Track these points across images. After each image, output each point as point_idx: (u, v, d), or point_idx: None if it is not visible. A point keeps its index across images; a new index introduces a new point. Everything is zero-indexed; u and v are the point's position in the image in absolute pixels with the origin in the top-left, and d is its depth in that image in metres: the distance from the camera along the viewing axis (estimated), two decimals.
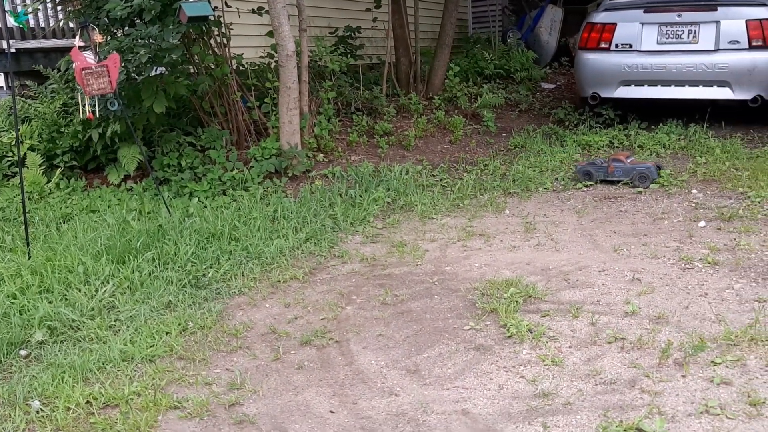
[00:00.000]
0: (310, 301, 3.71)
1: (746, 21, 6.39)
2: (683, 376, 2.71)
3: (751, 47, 6.37)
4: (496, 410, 2.60)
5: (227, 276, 4.00)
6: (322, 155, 6.04)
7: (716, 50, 6.50)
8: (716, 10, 6.51)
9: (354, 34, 7.97)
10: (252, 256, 4.23)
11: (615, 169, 5.39)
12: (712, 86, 6.56)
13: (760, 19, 6.36)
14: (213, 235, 4.45)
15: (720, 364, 2.76)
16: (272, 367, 3.05)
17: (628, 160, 5.40)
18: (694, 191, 5.10)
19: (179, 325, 3.42)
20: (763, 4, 6.46)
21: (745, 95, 6.44)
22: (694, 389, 2.62)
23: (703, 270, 3.72)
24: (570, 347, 3.03)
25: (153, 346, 3.22)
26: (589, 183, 5.49)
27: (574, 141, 6.65)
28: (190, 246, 4.26)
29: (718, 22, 6.50)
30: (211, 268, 4.07)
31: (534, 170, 5.84)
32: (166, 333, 3.35)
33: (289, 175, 5.62)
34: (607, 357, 2.92)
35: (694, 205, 4.82)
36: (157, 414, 2.71)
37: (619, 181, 5.40)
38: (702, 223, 4.43)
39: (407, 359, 3.04)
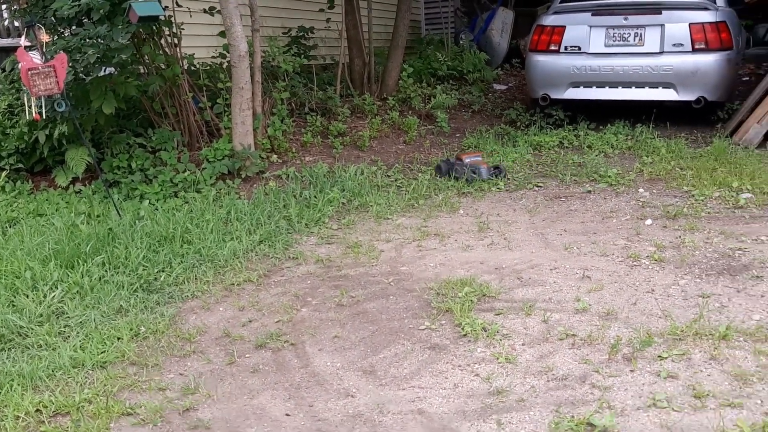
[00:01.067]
0: (264, 303, 3.68)
1: (689, 24, 6.58)
2: (632, 370, 2.79)
3: (694, 50, 6.57)
4: (451, 409, 2.64)
5: (180, 279, 3.95)
6: (275, 156, 6.00)
7: (661, 53, 6.68)
8: (661, 13, 6.69)
9: (307, 34, 7.95)
10: (205, 258, 4.18)
11: (458, 166, 5.80)
12: (657, 88, 6.74)
13: (702, 23, 6.56)
14: (165, 238, 4.38)
15: (666, 358, 2.85)
16: (227, 371, 3.03)
17: (468, 160, 5.80)
18: (641, 190, 5.24)
19: (131, 330, 3.36)
20: (706, 8, 6.67)
21: (688, 96, 6.64)
22: (642, 383, 2.69)
23: (650, 267, 3.82)
24: (523, 345, 3.09)
25: (104, 352, 3.16)
26: (445, 178, 5.80)
27: (526, 141, 6.75)
28: (142, 249, 4.19)
29: (662, 26, 6.68)
30: (163, 271, 4.01)
31: None
32: (118, 338, 3.29)
33: (243, 176, 5.57)
34: (558, 353, 2.98)
35: (641, 203, 4.94)
36: (110, 421, 2.67)
37: (462, 177, 5.70)
38: (649, 221, 4.55)
39: (363, 360, 3.05)
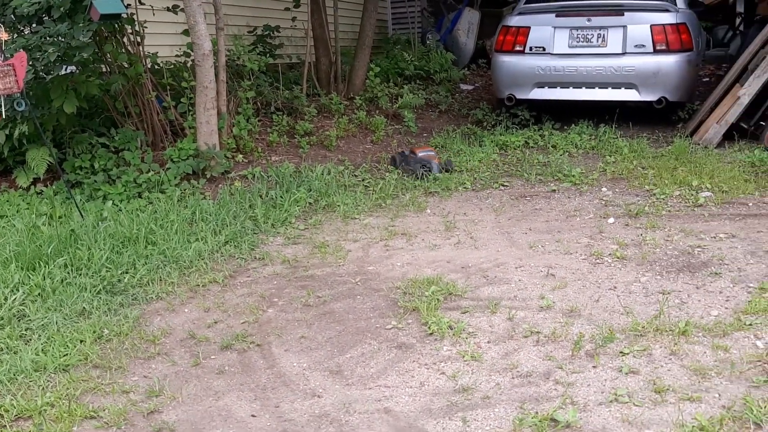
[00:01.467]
0: (230, 304, 3.66)
1: (651, 26, 6.70)
2: (594, 366, 2.84)
3: (656, 51, 6.70)
4: (417, 407, 2.65)
5: (144, 281, 3.90)
6: (241, 156, 5.96)
7: (623, 54, 6.79)
8: (623, 15, 6.80)
9: (273, 33, 7.90)
10: (169, 260, 4.13)
11: (411, 159, 5.99)
12: (620, 88, 6.85)
13: (663, 24, 6.69)
14: (128, 240, 4.32)
15: (628, 354, 2.90)
16: (192, 373, 3.00)
17: (421, 154, 6.03)
18: (604, 189, 5.32)
19: (94, 332, 3.32)
20: (667, 10, 6.80)
21: (650, 97, 6.76)
22: (604, 379, 2.74)
23: (613, 264, 3.89)
24: (488, 342, 3.12)
25: (67, 355, 3.11)
26: (397, 169, 6.05)
27: (492, 141, 6.81)
28: (105, 251, 4.13)
29: (625, 27, 6.79)
30: (126, 273, 3.96)
31: (453, 170, 5.95)
32: (81, 341, 3.24)
33: (208, 176, 5.53)
34: (523, 351, 3.02)
35: (604, 202, 5.02)
36: (72, 425, 2.63)
37: (414, 170, 5.89)
38: (611, 220, 4.62)
39: (330, 360, 3.05)
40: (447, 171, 5.94)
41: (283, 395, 2.79)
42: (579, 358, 2.92)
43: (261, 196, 5.22)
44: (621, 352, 2.92)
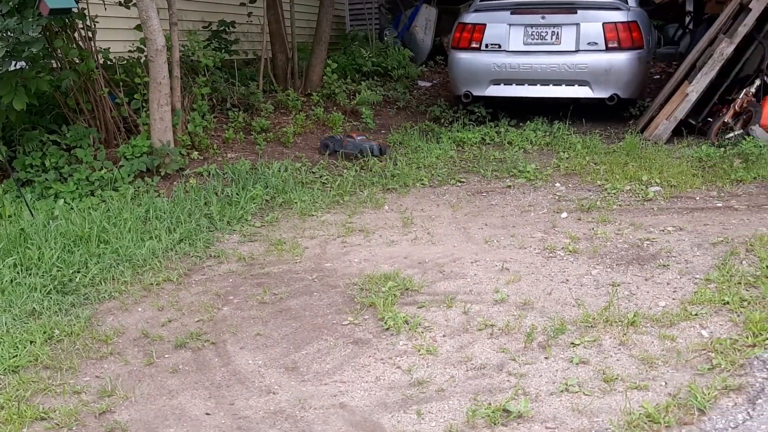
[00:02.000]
0: (184, 303, 3.63)
1: (603, 24, 6.83)
2: (546, 357, 2.89)
3: (608, 48, 6.83)
4: (372, 401, 2.67)
5: (96, 280, 3.84)
6: (196, 153, 5.90)
7: (577, 51, 6.91)
8: (576, 13, 6.91)
9: (228, 28, 7.82)
10: (123, 258, 4.07)
11: (348, 143, 6.25)
12: (573, 85, 6.97)
13: (615, 22, 6.82)
14: (80, 238, 4.24)
15: (579, 345, 2.96)
16: (145, 372, 2.97)
17: (358, 138, 6.34)
18: (558, 184, 5.42)
19: (44, 333, 3.25)
20: (618, 9, 6.94)
21: (603, 94, 6.89)
22: (555, 369, 2.80)
23: (565, 258, 3.96)
24: (444, 336, 3.15)
25: (16, 356, 3.05)
26: (330, 154, 6.33)
27: (449, 138, 6.86)
28: (56, 250, 4.05)
29: (578, 25, 6.91)
30: (78, 272, 3.89)
31: (411, 166, 5.98)
32: (31, 342, 3.17)
33: (162, 173, 5.45)
34: (477, 343, 3.06)
35: (557, 197, 5.11)
36: (23, 426, 2.58)
37: (352, 153, 6.24)
38: (564, 215, 4.71)
39: (286, 357, 3.05)
40: (382, 154, 6.21)
41: (238, 393, 2.78)
42: (531, 350, 2.97)
43: (216, 194, 5.18)
44: (572, 343, 2.98)
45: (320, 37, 8.24)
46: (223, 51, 7.43)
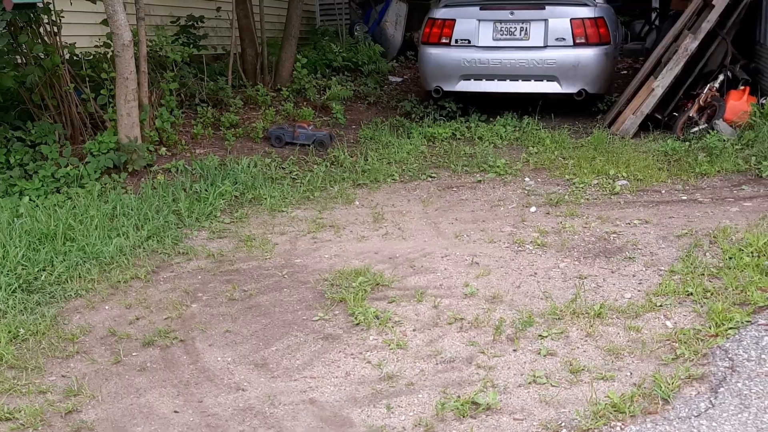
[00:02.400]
0: (153, 300, 3.59)
1: (571, 20, 6.89)
2: (514, 350, 2.92)
3: (576, 44, 6.89)
4: (342, 396, 2.67)
5: (62, 278, 3.78)
6: (164, 149, 5.83)
7: (545, 47, 6.97)
8: (544, 8, 6.96)
9: (197, 23, 7.75)
10: (89, 256, 4.02)
11: (300, 134, 6.31)
12: (542, 81, 7.02)
13: (582, 18, 6.89)
14: (46, 236, 4.18)
15: (546, 337, 3.00)
16: (112, 371, 2.94)
17: (310, 128, 6.44)
18: (527, 179, 5.46)
19: (9, 332, 3.20)
20: (586, 5, 7.00)
21: (571, 89, 6.95)
22: (523, 362, 2.83)
23: (534, 252, 4.00)
24: (414, 330, 3.17)
25: None
26: (280, 146, 6.34)
27: (420, 133, 6.88)
28: (21, 248, 3.98)
29: (546, 20, 6.96)
30: (44, 270, 3.83)
31: (382, 162, 5.99)
32: None
33: (129, 170, 5.38)
34: (447, 337, 3.08)
35: (526, 192, 5.15)
36: None
37: (303, 144, 6.30)
38: (533, 209, 4.75)
39: (255, 354, 3.04)
40: (331, 140, 6.41)
41: (207, 390, 2.77)
42: (500, 343, 3.00)
43: (185, 190, 5.13)
44: (540, 336, 3.02)
45: (290, 32, 8.20)
46: (192, 46, 7.35)
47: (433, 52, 7.38)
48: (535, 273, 3.71)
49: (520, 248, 4.07)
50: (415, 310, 3.36)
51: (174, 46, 6.66)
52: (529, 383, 2.66)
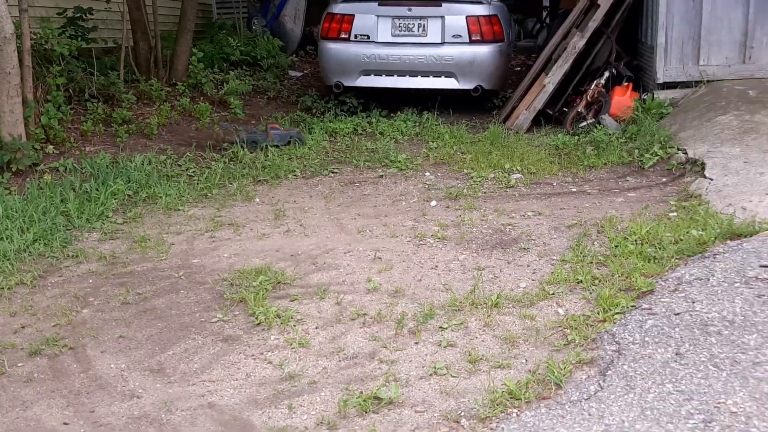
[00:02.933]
0: (40, 307, 3.40)
1: (467, 17, 7.05)
2: (416, 343, 2.96)
3: (472, 41, 7.06)
4: (243, 399, 2.63)
5: None
6: (51, 147, 5.53)
7: (443, 43, 7.09)
8: (441, 6, 7.09)
9: (85, 15, 7.38)
10: None
11: (273, 135, 6.21)
12: (440, 77, 7.15)
13: (477, 16, 7.06)
14: None
15: (447, 328, 3.06)
16: None
17: (282, 128, 6.40)
18: (427, 173, 5.55)
19: None
20: (480, 2, 7.18)
21: (468, 85, 7.12)
22: (425, 354, 2.87)
23: (434, 245, 4.07)
24: (317, 328, 3.15)
25: None
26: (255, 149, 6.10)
27: (322, 128, 6.85)
28: None
29: (443, 17, 7.09)
30: None
31: (283, 157, 5.92)
32: None
33: (13, 169, 5.07)
34: (350, 333, 3.09)
35: (427, 186, 5.23)
36: None
37: (277, 145, 6.14)
38: (433, 203, 4.83)
39: (151, 359, 2.94)
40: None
41: (99, 399, 2.65)
42: (402, 336, 3.03)
43: (74, 190, 4.89)
44: (440, 327, 3.07)
45: (185, 25, 7.96)
46: (80, 39, 7.00)
47: (333, 47, 7.37)
48: (436, 266, 3.77)
49: (421, 242, 4.13)
50: (317, 307, 3.35)
51: (60, 39, 6.33)
52: (430, 375, 2.71)
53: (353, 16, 7.27)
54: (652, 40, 6.37)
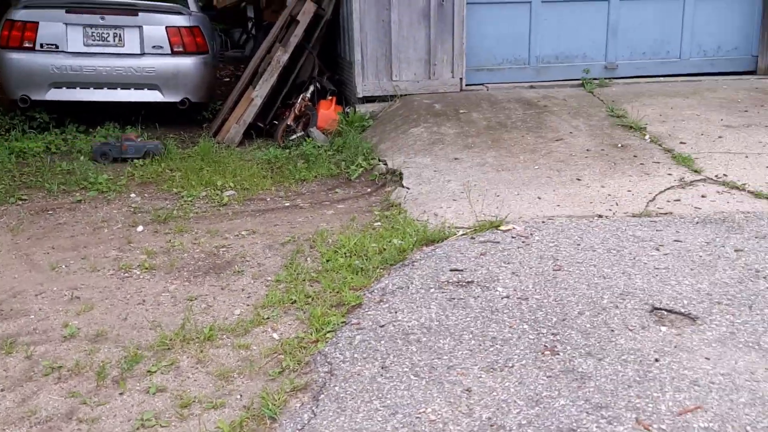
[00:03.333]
0: None
1: (166, 27, 6.77)
2: (121, 393, 2.72)
3: (174, 53, 6.79)
4: None
5: None
6: None
7: (142, 54, 6.73)
8: (137, 15, 6.72)
9: None
10: None
11: (128, 147, 5.95)
12: (143, 89, 6.78)
13: (178, 27, 6.81)
14: None
15: (156, 372, 2.86)
16: None
17: (138, 140, 6.10)
18: (133, 195, 5.20)
19: None
20: (180, 13, 6.94)
21: (173, 98, 6.85)
22: (131, 405, 2.65)
23: (141, 276, 3.81)
24: (2, 390, 2.75)
25: None
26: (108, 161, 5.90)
27: (7, 148, 6.08)
28: None
29: (141, 27, 6.72)
30: None
31: None
32: None
33: None
34: (43, 392, 2.74)
35: (133, 209, 4.90)
36: None
37: (132, 158, 5.92)
38: (140, 228, 4.53)
39: None
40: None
41: None
42: (105, 388, 2.77)
43: None
44: (148, 371, 2.86)
45: None
46: None
47: (15, 57, 6.60)
48: (144, 300, 3.52)
49: (126, 274, 3.83)
50: (3, 365, 2.92)
51: None
52: (137, 429, 2.50)
53: (37, 23, 6.58)
54: (350, 56, 6.70)
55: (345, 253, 3.91)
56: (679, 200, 4.43)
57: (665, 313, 3.09)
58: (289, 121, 6.56)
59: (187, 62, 6.83)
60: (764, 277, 3.38)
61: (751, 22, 7.38)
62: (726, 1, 7.33)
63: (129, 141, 6.04)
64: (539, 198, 4.53)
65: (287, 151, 6.21)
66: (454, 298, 3.27)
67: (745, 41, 7.44)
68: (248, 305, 3.45)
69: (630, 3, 7.14)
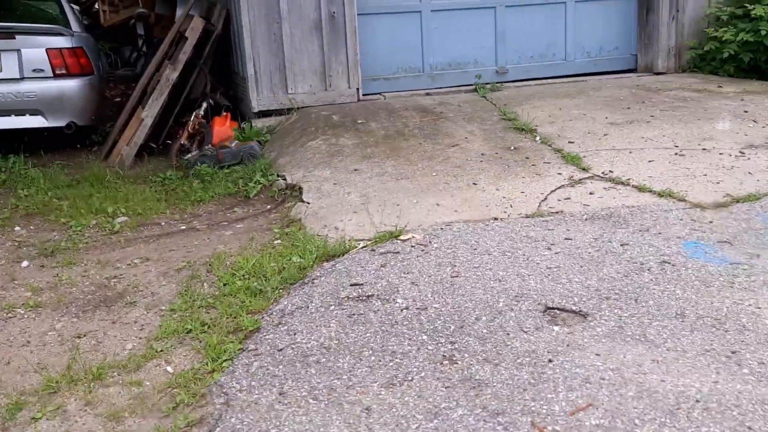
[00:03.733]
0: None
1: (47, 50, 6.47)
2: None
3: (56, 75, 6.50)
4: None
5: None
6: None
7: (22, 79, 6.41)
8: (15, 38, 6.40)
9: None
10: None
11: (224, 155, 5.89)
12: (24, 115, 6.47)
13: (60, 48, 6.52)
14: None
15: (41, 418, 2.70)
16: None
17: (233, 144, 5.97)
18: (17, 228, 4.92)
19: None
20: (61, 34, 6.64)
21: (59, 122, 6.55)
22: None
23: (26, 316, 3.60)
24: None
25: None
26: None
27: None
28: None
29: (19, 51, 6.41)
30: None
31: None
32: None
33: None
34: None
35: (17, 244, 4.63)
36: None
37: (231, 164, 5.84)
38: (25, 263, 4.29)
39: None
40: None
41: None
42: None
43: None
44: (33, 418, 2.70)
45: None
46: None
47: None
48: (28, 342, 3.33)
49: (10, 315, 3.61)
50: None
51: None
52: None
53: None
54: (243, 71, 6.59)
55: (243, 276, 3.82)
56: (569, 198, 4.58)
57: (558, 312, 3.18)
58: (183, 140, 6.38)
59: (71, 85, 6.55)
60: (648, 270, 3.53)
61: (628, 23, 7.77)
62: (604, 5, 7.68)
63: (224, 149, 5.93)
64: (438, 204, 4.58)
65: (182, 171, 6.03)
66: (354, 314, 3.25)
67: (624, 41, 7.81)
68: (141, 338, 3.31)
69: (515, 10, 7.37)
